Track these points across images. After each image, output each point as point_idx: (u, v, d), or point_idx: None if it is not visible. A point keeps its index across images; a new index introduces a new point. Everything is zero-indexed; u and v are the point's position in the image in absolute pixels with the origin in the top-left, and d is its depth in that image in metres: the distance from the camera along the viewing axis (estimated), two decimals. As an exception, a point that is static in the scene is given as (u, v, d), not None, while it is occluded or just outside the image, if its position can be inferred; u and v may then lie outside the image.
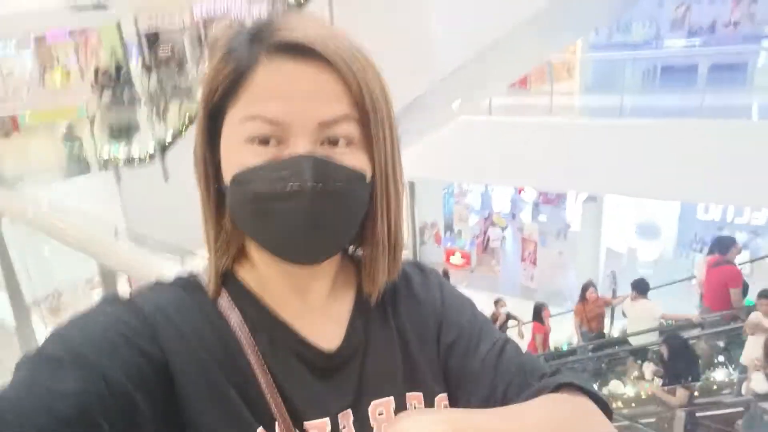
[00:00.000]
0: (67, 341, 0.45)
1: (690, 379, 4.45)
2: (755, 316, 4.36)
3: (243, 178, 0.49)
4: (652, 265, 10.09)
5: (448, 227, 11.56)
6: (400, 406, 0.57)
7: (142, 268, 1.29)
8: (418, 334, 0.61)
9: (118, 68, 9.82)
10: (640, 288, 5.34)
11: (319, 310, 0.58)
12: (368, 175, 0.52)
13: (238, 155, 0.50)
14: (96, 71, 9.77)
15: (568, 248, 10.48)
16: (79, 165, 6.47)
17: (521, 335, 6.79)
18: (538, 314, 6.42)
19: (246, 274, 0.57)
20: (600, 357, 5.81)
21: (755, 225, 10.46)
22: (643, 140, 6.71)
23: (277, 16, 0.51)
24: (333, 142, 0.50)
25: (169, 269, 1.24)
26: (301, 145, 0.48)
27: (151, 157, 5.47)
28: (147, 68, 7.76)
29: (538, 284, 9.72)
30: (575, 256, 9.97)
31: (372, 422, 0.56)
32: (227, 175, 0.51)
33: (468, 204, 12.09)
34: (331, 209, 0.49)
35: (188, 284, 0.56)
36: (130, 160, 5.63)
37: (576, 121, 8.02)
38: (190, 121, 5.22)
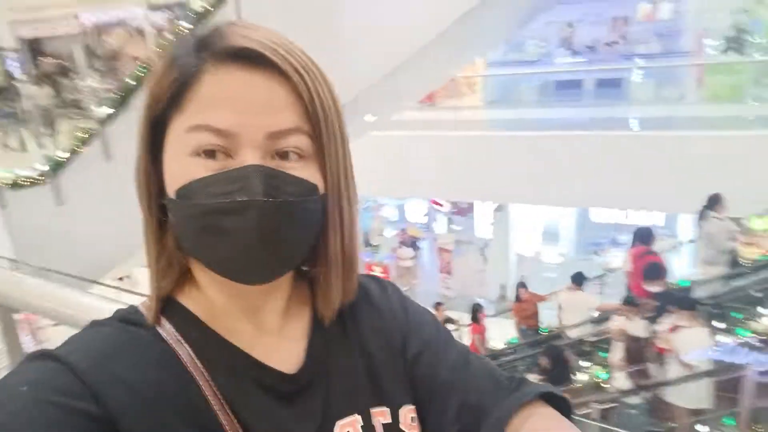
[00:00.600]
0: None
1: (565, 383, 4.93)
2: (618, 322, 4.76)
3: (188, 191, 0.46)
4: (557, 267, 10.82)
5: (366, 242, 11.64)
6: (367, 423, 0.55)
7: (49, 303, 1.15)
8: (382, 346, 0.60)
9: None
10: (578, 280, 5.77)
11: (274, 333, 0.54)
12: (321, 188, 0.50)
13: (182, 168, 0.46)
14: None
15: (481, 256, 10.95)
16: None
17: (460, 338, 7.02)
18: (475, 315, 6.68)
19: (191, 300, 0.53)
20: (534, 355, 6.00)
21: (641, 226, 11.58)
22: (540, 151, 7.25)
23: (224, 24, 0.48)
24: (283, 156, 0.47)
25: (81, 302, 1.13)
26: (250, 157, 0.45)
27: (42, 176, 4.97)
28: (37, 80, 7.09)
29: (455, 292, 10.05)
30: (487, 263, 10.44)
31: None
32: (171, 190, 0.47)
33: (384, 217, 12.25)
34: (282, 224, 0.46)
35: (128, 319, 0.51)
36: (16, 183, 5.08)
37: (479, 134, 8.45)
38: (86, 139, 4.82)
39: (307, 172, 0.48)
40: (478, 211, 11.84)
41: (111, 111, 4.36)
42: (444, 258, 10.13)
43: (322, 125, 0.48)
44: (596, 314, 5.70)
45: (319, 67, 0.49)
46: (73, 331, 0.51)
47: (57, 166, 4.80)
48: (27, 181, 4.71)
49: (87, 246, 4.64)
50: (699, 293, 4.95)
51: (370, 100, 5.00)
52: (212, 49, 0.46)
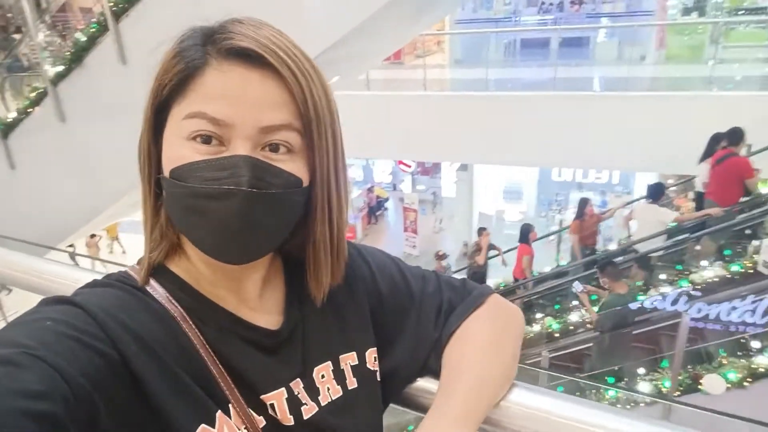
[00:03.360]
0: (18, 344, 0.43)
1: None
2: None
3: (180, 173, 0.50)
4: (518, 225, 11.12)
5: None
6: (337, 367, 0.64)
7: (8, 270, 1.17)
8: (348, 299, 0.67)
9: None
10: (654, 194, 5.41)
11: (254, 300, 0.61)
12: (305, 181, 0.54)
13: (178, 150, 0.51)
14: None
15: (444, 215, 11.15)
16: None
17: (504, 263, 7.28)
18: (525, 236, 6.40)
19: (180, 268, 0.58)
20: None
21: (599, 183, 11.99)
22: (505, 111, 7.32)
23: (230, 22, 0.53)
24: (273, 149, 0.51)
25: (45, 269, 1.15)
26: (241, 148, 0.49)
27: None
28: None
29: (420, 251, 10.26)
30: (451, 222, 10.66)
31: (317, 385, 0.62)
32: (166, 169, 0.52)
33: (350, 177, 12.25)
34: (264, 212, 0.50)
35: (124, 281, 0.57)
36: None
37: (447, 94, 8.44)
38: (38, 99, 4.62)
39: (294, 165, 0.53)
40: (444, 170, 11.96)
41: (63, 69, 4.17)
42: (409, 217, 10.26)
43: (312, 123, 0.52)
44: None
45: (317, 68, 0.54)
46: (29, 295, 0.55)
47: (7, 128, 4.61)
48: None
49: (41, 212, 4.53)
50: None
51: (334, 59, 4.93)
52: (216, 46, 0.50)
